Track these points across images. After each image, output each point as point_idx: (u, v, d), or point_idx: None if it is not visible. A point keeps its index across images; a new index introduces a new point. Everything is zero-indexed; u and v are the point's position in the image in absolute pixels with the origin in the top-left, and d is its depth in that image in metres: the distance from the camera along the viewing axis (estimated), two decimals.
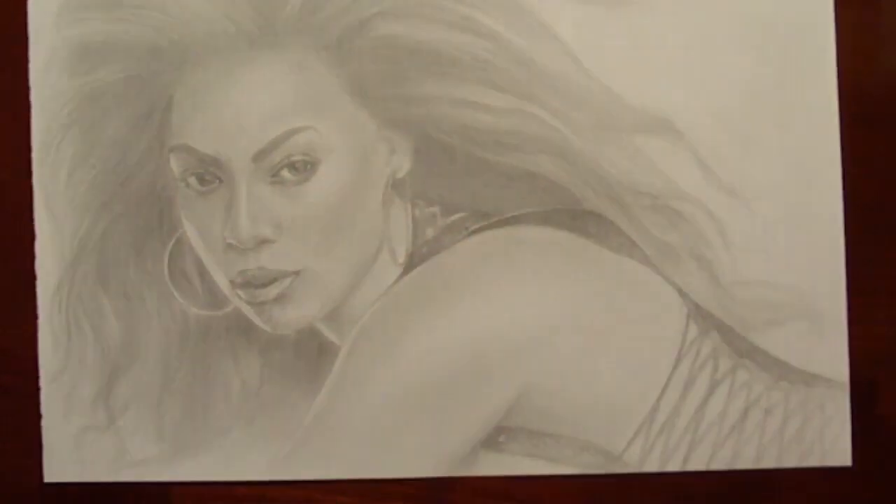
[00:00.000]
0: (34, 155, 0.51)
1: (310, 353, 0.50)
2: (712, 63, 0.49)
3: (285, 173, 0.49)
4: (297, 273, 0.50)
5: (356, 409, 0.49)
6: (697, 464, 0.49)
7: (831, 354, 0.49)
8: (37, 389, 0.51)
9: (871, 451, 0.49)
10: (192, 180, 0.50)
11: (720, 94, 0.49)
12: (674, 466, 0.49)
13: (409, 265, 0.50)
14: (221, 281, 0.50)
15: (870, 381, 0.49)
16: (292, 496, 0.50)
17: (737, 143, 0.49)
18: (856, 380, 0.49)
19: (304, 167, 0.49)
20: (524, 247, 0.49)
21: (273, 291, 0.50)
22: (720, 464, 0.49)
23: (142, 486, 0.51)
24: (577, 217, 0.49)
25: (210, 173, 0.50)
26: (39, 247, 0.51)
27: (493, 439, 0.49)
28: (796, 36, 0.49)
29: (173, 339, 0.51)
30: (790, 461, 0.49)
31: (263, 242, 0.49)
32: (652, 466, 0.49)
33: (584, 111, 0.49)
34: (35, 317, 0.51)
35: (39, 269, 0.51)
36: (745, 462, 0.49)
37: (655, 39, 0.49)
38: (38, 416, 0.51)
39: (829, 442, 0.49)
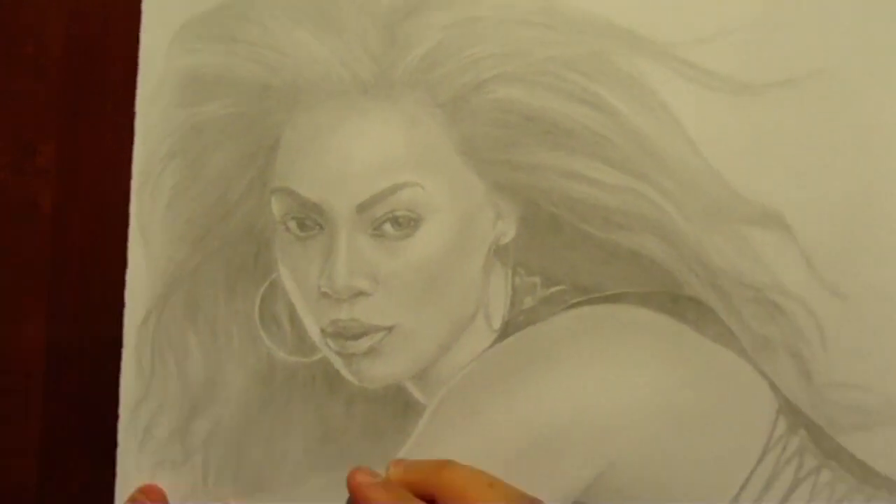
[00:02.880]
0: (134, 183, 0.51)
1: (395, 410, 0.50)
2: (829, 163, 0.48)
3: (387, 227, 0.49)
4: (389, 329, 0.49)
5: None
6: None
7: None
8: (115, 419, 0.51)
9: None
10: (293, 224, 0.50)
11: (834, 194, 0.48)
12: None
13: (504, 332, 0.50)
14: (312, 328, 0.50)
15: None
16: None
17: (846, 244, 0.48)
18: None
19: (408, 223, 0.49)
20: (621, 326, 0.49)
21: (364, 345, 0.49)
22: None
23: None
24: (677, 301, 0.49)
25: (311, 219, 0.49)
26: (130, 275, 0.51)
27: None
28: None
29: (257, 381, 0.50)
30: None
31: (359, 294, 0.49)
32: None
33: (696, 196, 0.49)
34: (119, 345, 0.51)
35: (129, 298, 0.51)
36: None
37: (775, 134, 0.48)
38: (114, 446, 0.51)
39: None
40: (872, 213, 0.49)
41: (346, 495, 0.49)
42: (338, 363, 0.50)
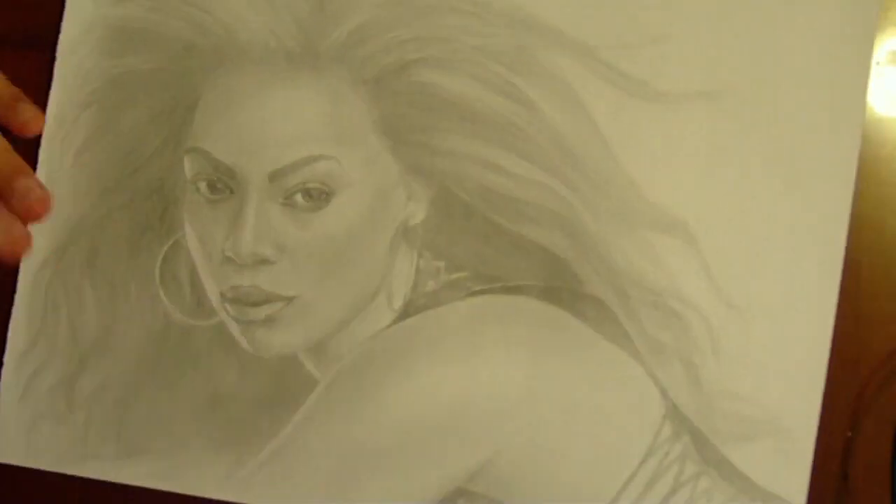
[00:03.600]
0: (46, 128, 0.50)
1: (287, 382, 0.49)
2: (736, 176, 0.50)
3: (298, 198, 0.49)
4: (290, 299, 0.49)
5: (321, 446, 0.49)
6: None
7: (794, 478, 0.50)
8: None
9: None
10: (203, 186, 0.49)
11: (739, 207, 0.50)
12: None
13: (405, 313, 0.50)
14: (212, 292, 0.49)
15: None
16: None
17: (745, 257, 0.50)
18: None
19: (319, 196, 0.49)
20: (520, 318, 0.49)
21: (263, 312, 0.49)
22: None
23: (89, 482, 0.49)
24: (578, 298, 0.49)
25: (223, 182, 0.49)
26: None
27: (453, 500, 0.49)
28: (821, 166, 0.50)
29: (150, 340, 0.50)
30: None
31: (263, 262, 0.49)
32: None
33: (605, 197, 0.49)
34: (12, 292, 0.50)
35: None
36: None
37: (686, 142, 0.50)
38: None
39: None
40: (772, 231, 0.50)
41: (224, 464, 0.49)
42: (234, 329, 0.49)
